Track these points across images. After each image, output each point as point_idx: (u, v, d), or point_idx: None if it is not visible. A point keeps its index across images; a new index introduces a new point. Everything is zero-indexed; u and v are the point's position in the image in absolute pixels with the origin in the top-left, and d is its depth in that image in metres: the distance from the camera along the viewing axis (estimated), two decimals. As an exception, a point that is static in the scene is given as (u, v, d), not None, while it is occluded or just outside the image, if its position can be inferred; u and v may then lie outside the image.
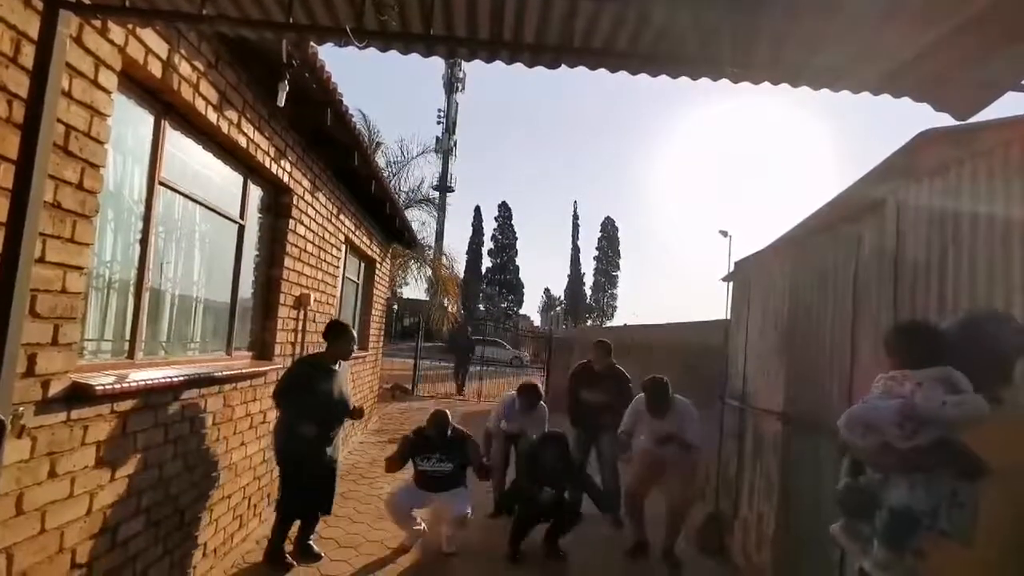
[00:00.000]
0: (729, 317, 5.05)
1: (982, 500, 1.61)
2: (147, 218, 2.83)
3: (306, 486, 3.67)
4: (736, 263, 5.02)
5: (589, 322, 50.24)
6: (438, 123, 51.91)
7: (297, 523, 3.86)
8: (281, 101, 3.55)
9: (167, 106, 2.88)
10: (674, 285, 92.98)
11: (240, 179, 3.89)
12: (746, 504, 4.17)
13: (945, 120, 2.50)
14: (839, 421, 1.95)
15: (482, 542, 4.40)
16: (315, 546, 3.91)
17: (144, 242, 2.84)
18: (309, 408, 3.64)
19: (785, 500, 3.52)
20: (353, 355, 7.25)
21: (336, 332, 3.89)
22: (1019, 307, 2.00)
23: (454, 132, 51.81)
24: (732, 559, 4.29)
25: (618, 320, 55.05)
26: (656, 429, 4.32)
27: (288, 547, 3.82)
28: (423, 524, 4.36)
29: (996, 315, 1.89)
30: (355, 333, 3.99)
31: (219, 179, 3.63)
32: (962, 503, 1.62)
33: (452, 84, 52.74)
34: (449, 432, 4.37)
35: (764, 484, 3.89)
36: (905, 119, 12.84)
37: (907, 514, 1.70)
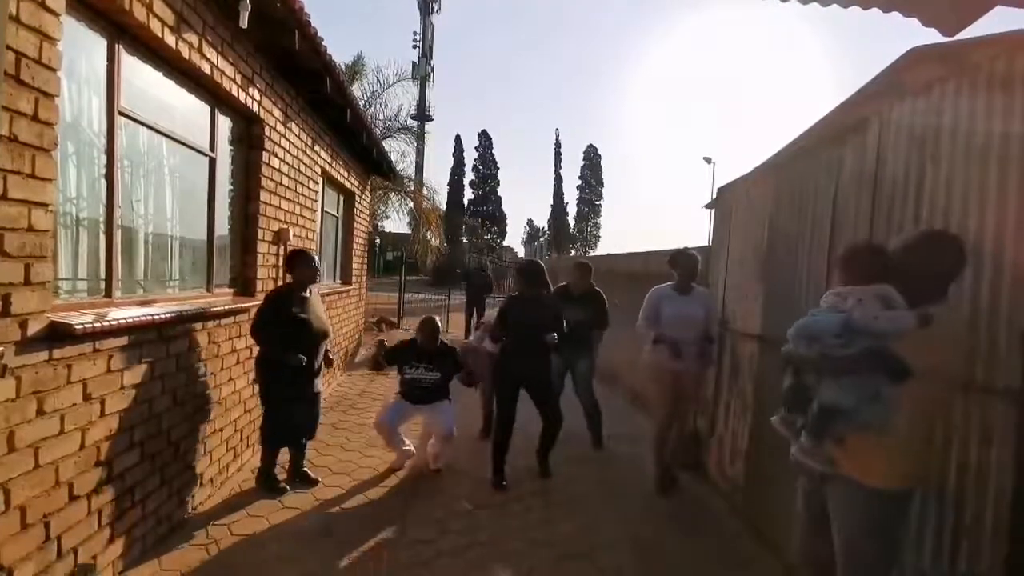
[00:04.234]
0: (711, 244, 5.08)
1: (902, 398, 1.87)
2: (110, 151, 2.72)
3: (290, 415, 3.76)
4: (719, 189, 5.00)
5: (573, 252, 50.33)
6: (414, 47, 49.44)
7: (287, 452, 3.99)
8: (243, 22, 3.34)
9: (120, 28, 2.70)
10: (659, 214, 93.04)
11: (207, 109, 3.72)
12: (722, 422, 4.36)
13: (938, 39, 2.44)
14: (788, 332, 2.17)
15: (470, 464, 4.58)
16: (310, 472, 4.06)
17: (110, 177, 2.74)
18: (287, 339, 3.66)
19: (758, 416, 3.68)
20: (337, 289, 7.34)
21: (295, 260, 3.86)
22: (991, 225, 2.04)
23: (431, 57, 49.45)
24: (708, 473, 4.54)
25: (602, 249, 55.32)
26: (681, 308, 4.23)
27: (282, 475, 3.97)
28: (411, 445, 4.52)
29: (939, 236, 2.03)
30: (317, 257, 3.97)
31: (185, 109, 3.46)
32: (883, 400, 1.88)
33: (427, 3, 49.85)
34: (438, 343, 4.45)
35: (739, 403, 4.06)
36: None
37: (832, 409, 1.99)
